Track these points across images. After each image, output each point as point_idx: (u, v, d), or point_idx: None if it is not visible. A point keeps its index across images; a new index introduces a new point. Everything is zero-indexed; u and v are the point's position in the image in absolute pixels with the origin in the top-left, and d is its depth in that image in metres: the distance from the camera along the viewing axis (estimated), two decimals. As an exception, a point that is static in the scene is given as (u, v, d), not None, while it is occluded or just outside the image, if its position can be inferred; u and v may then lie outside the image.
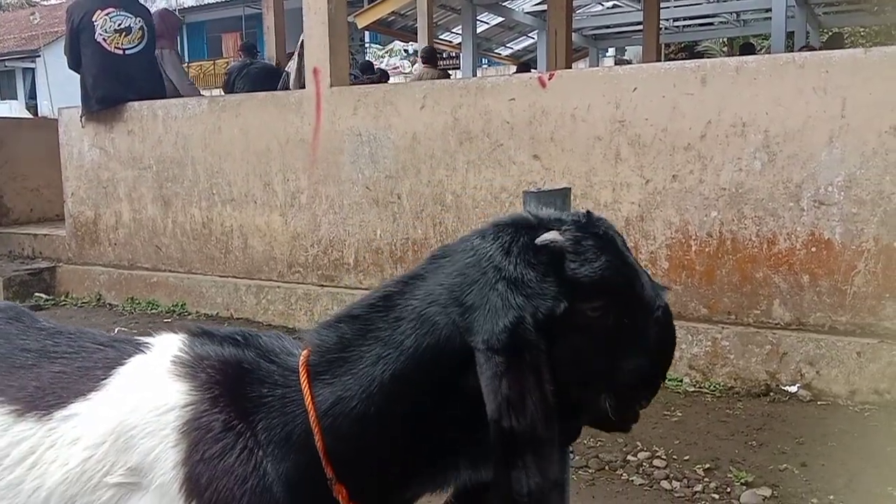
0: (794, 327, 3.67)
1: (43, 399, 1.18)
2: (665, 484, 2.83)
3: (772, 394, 3.60)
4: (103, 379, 1.19)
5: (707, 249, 3.85)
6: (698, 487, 2.79)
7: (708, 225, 3.84)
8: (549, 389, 1.05)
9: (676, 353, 1.28)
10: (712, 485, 2.80)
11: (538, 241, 1.09)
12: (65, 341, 1.28)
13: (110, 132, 6.04)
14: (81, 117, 6.13)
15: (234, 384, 1.15)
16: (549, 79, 4.20)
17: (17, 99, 28.82)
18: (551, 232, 1.11)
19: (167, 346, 1.23)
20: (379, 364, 1.10)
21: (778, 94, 3.65)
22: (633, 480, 2.86)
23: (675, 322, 1.21)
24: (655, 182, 3.94)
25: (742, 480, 2.78)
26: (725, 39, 19.34)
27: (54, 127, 6.63)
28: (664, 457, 3.00)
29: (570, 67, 9.32)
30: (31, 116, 20.01)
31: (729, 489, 2.75)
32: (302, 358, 1.16)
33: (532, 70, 12.17)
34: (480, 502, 1.17)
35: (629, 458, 3.02)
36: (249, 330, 1.26)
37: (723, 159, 3.79)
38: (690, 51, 20.23)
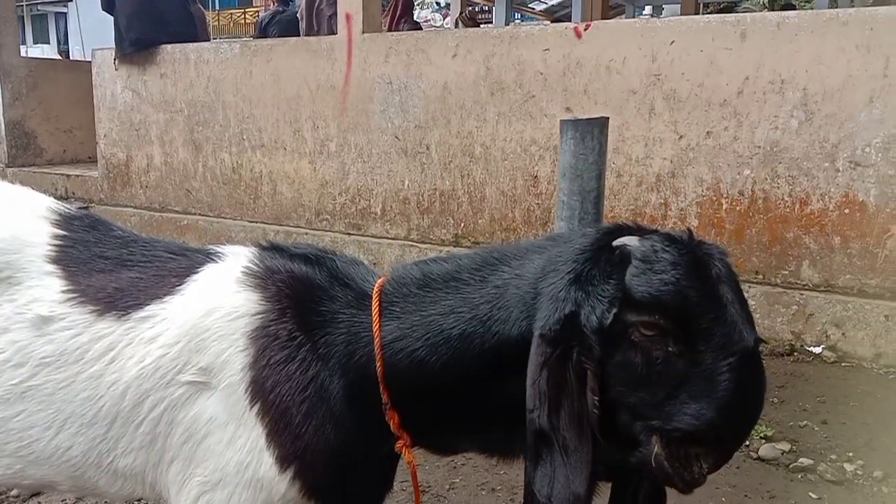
0: (822, 289, 3.65)
1: (121, 300, 1.25)
2: (684, 435, 2.86)
3: (796, 354, 3.60)
4: (178, 285, 1.26)
5: (738, 208, 3.82)
6: (717, 440, 2.82)
7: (740, 183, 3.80)
8: (591, 399, 1.00)
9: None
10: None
11: (614, 242, 1.07)
12: (139, 249, 1.34)
13: (143, 75, 6.07)
14: (115, 59, 6.16)
15: (303, 299, 1.20)
16: (586, 29, 4.13)
17: (49, 43, 28.95)
18: (631, 237, 1.07)
19: (237, 258, 1.29)
20: (450, 317, 1.12)
21: (819, 52, 3.57)
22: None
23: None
24: (689, 138, 3.90)
25: (761, 434, 2.80)
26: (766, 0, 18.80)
27: (87, 69, 6.68)
28: (684, 409, 3.02)
29: (605, 23, 9.15)
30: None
31: (748, 442, 2.77)
32: (376, 285, 1.20)
33: (565, 26, 11.94)
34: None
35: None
36: (325, 250, 1.30)
37: (759, 117, 3.73)
38: (729, 11, 19.72)
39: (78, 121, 7.49)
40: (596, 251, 1.06)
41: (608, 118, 1.31)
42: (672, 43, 3.88)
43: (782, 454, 2.69)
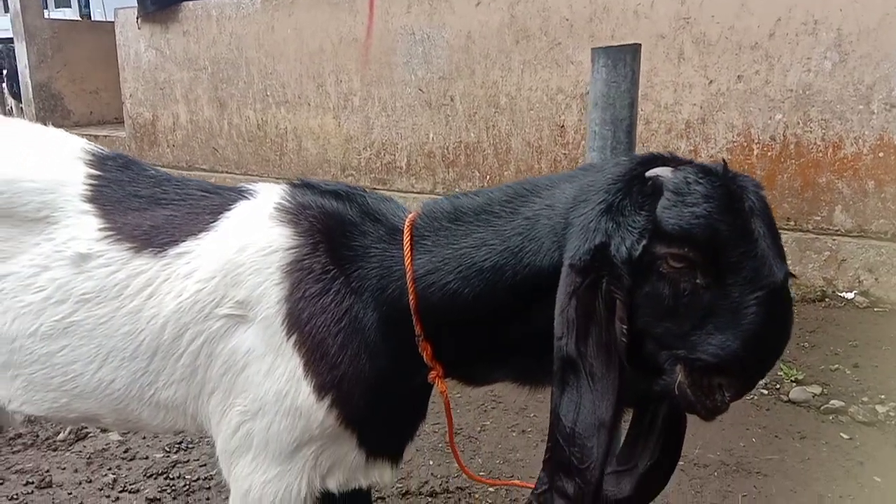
0: (855, 234, 3.59)
1: (157, 237, 1.26)
2: (714, 379, 2.86)
3: (827, 299, 3.57)
4: (212, 222, 1.27)
5: (769, 153, 3.75)
6: (747, 384, 2.82)
7: (772, 128, 3.73)
8: (620, 327, 1.00)
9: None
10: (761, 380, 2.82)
11: (647, 173, 1.04)
12: (172, 188, 1.35)
13: (166, 33, 6.06)
14: (137, 18, 6.16)
15: (335, 234, 1.21)
16: (612, -27, 4.04)
17: (70, 7, 28.90)
18: (665, 167, 1.04)
19: (269, 194, 1.29)
20: (482, 249, 1.12)
21: (855, -11, 3.46)
22: (681, 375, 2.90)
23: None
24: (719, 83, 3.82)
25: (792, 378, 2.80)
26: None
27: (110, 30, 6.70)
28: (714, 355, 3.02)
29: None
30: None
31: (778, 386, 2.78)
32: (408, 220, 1.20)
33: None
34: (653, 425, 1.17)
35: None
36: (355, 186, 1.30)
37: (791, 59, 3.64)
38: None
39: (103, 82, 7.54)
40: (628, 181, 1.05)
41: (640, 44, 1.29)
42: (702, -16, 3.78)
43: (813, 397, 2.68)
